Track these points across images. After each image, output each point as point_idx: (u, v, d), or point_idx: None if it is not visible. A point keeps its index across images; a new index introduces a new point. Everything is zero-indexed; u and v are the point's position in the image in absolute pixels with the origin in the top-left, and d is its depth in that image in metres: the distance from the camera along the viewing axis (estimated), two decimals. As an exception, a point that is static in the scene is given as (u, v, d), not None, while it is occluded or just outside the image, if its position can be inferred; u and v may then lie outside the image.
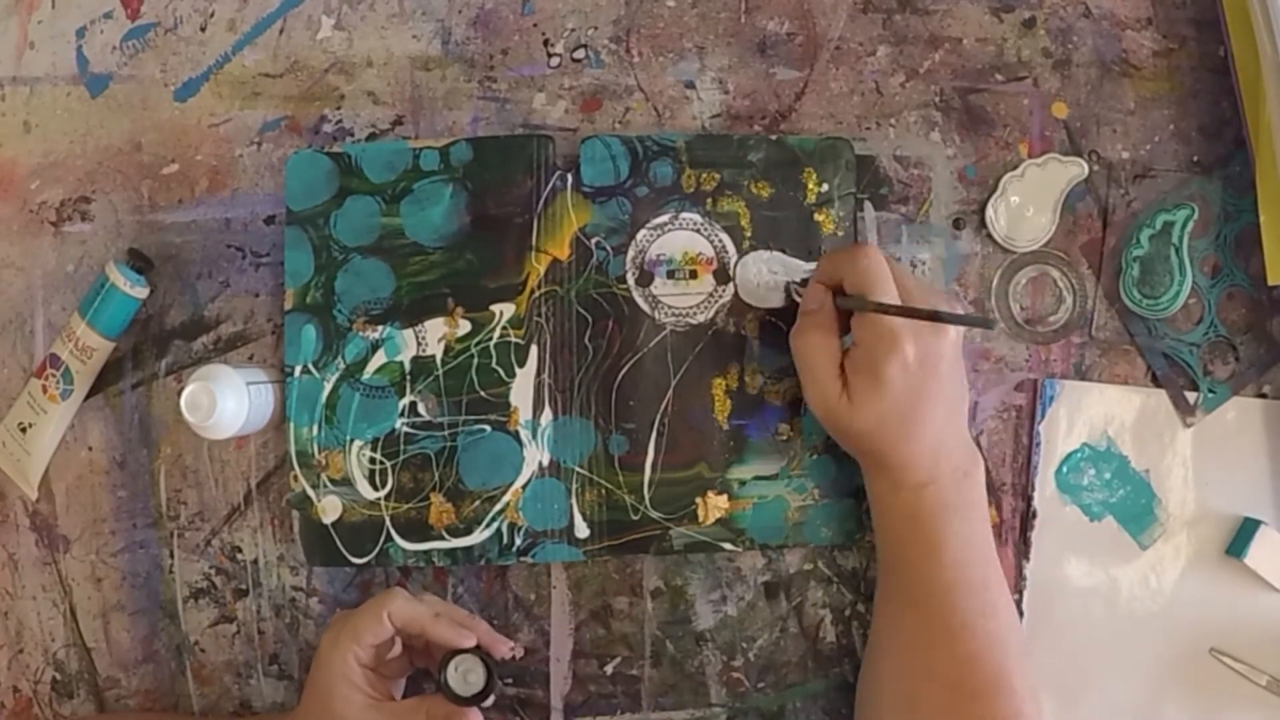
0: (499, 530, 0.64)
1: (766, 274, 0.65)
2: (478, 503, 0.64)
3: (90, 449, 0.67)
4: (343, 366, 0.65)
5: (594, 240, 0.65)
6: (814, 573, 0.66)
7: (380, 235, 0.65)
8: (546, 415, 0.64)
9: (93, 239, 0.67)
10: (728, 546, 0.64)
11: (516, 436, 0.64)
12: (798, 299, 0.62)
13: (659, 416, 0.64)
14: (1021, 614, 0.64)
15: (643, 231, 0.65)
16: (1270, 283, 0.63)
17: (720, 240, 0.65)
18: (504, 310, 0.64)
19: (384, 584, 0.66)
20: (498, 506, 0.64)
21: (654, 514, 0.64)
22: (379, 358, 0.65)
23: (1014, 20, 0.67)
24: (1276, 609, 0.65)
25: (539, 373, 0.64)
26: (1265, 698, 0.64)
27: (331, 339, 0.65)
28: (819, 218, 0.65)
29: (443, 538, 0.64)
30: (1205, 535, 0.65)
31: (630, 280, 0.65)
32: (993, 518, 0.65)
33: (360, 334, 0.65)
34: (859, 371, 0.58)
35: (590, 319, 0.65)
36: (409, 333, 0.65)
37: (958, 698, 0.56)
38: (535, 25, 0.67)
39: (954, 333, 0.58)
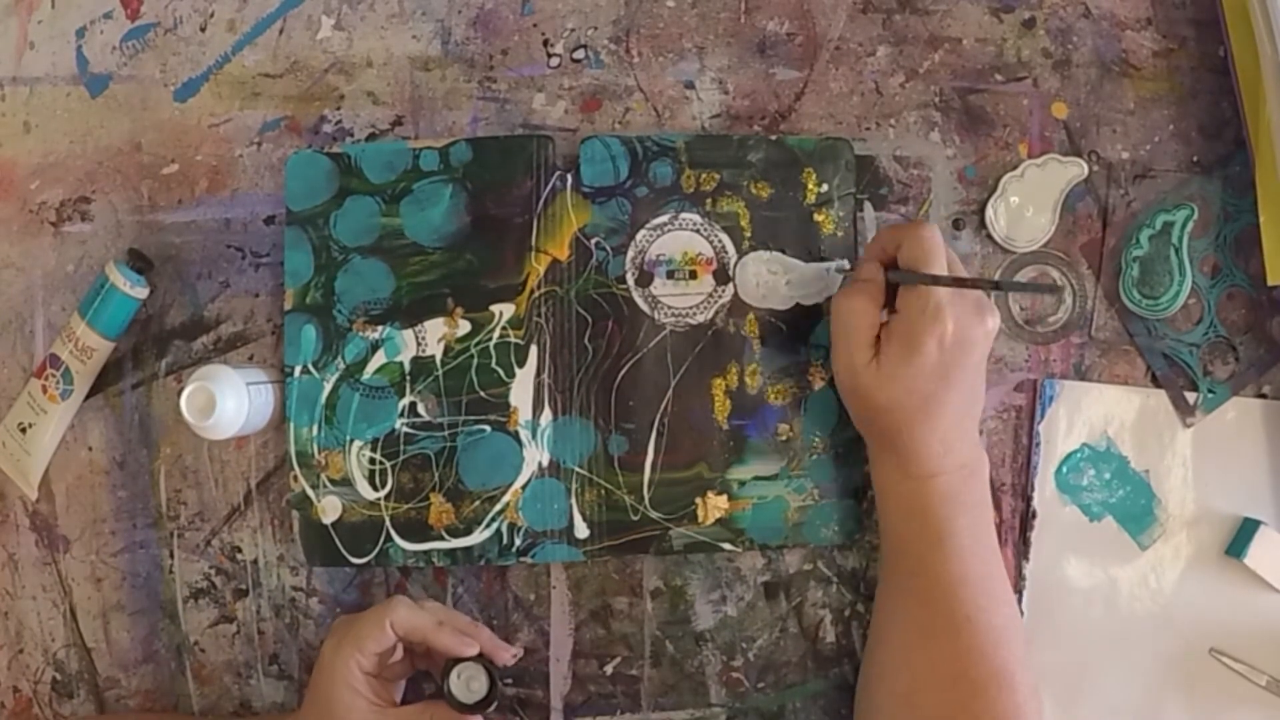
0: (499, 530, 0.64)
1: (766, 274, 0.65)
2: (477, 503, 0.64)
3: (90, 449, 0.67)
4: (342, 367, 0.65)
5: (594, 240, 0.65)
6: (814, 573, 0.66)
7: (380, 235, 0.65)
8: (546, 415, 0.64)
9: (93, 239, 0.67)
10: (727, 547, 0.64)
11: (516, 437, 0.64)
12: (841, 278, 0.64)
13: (659, 417, 0.64)
14: (1021, 614, 0.64)
15: (642, 232, 0.65)
16: (1270, 283, 0.63)
17: (720, 240, 0.65)
18: (504, 310, 0.64)
19: (384, 584, 0.66)
20: (497, 507, 0.64)
21: (654, 514, 0.64)
22: (379, 358, 0.65)
23: (1014, 20, 0.67)
24: (1276, 609, 0.65)
25: (539, 373, 0.64)
26: (1265, 698, 0.64)
27: (331, 339, 0.65)
28: (819, 218, 0.65)
29: (442, 538, 0.64)
30: (1205, 535, 0.65)
31: (630, 280, 0.65)
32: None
33: (360, 334, 0.65)
34: (894, 338, 0.57)
35: (590, 319, 0.65)
36: (409, 333, 0.65)
37: (960, 691, 0.56)
38: (535, 25, 0.67)
39: (992, 324, 0.58)
